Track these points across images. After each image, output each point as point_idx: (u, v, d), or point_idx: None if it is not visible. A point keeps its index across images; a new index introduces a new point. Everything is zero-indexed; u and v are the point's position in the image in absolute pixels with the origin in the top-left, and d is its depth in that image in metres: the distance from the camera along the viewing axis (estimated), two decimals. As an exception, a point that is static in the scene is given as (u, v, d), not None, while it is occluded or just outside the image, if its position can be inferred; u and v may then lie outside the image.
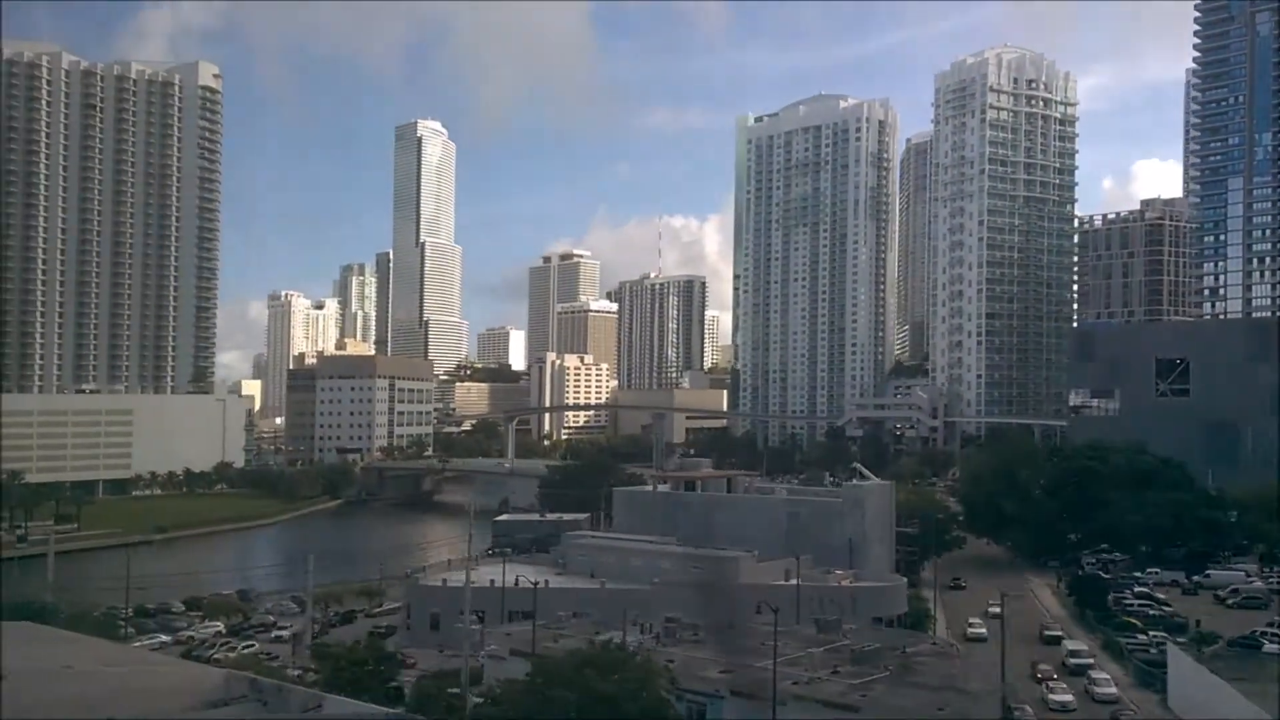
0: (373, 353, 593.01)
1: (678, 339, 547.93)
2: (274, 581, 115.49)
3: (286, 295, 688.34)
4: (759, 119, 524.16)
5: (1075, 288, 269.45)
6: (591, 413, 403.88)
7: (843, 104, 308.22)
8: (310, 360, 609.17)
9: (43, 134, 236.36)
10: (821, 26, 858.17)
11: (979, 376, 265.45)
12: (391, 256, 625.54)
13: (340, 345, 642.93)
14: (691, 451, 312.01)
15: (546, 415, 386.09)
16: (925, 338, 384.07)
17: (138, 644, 78.09)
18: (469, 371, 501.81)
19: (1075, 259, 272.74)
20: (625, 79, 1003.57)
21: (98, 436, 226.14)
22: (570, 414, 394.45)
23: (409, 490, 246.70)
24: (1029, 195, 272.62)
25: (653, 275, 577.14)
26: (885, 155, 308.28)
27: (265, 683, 32.62)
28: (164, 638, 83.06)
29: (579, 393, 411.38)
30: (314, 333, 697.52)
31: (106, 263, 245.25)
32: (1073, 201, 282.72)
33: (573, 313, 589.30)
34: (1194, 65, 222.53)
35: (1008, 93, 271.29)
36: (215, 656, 73.98)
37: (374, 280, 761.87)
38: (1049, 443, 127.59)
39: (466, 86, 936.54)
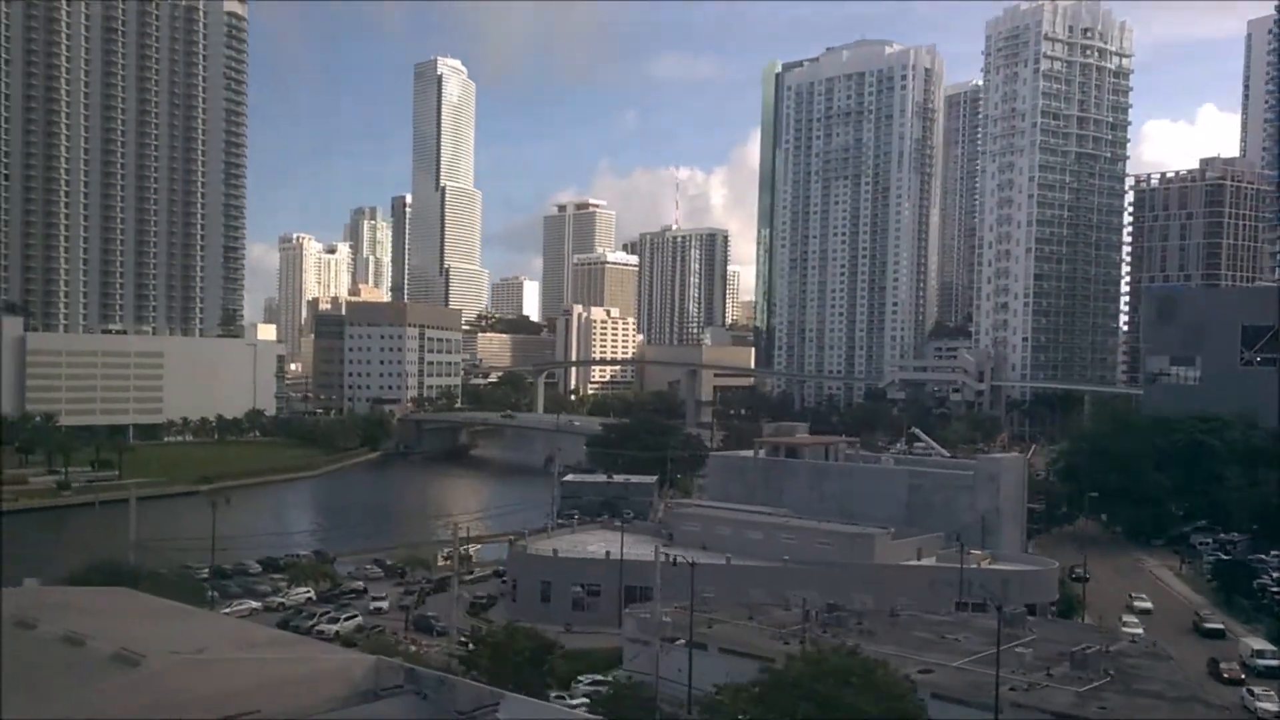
0: (388, 299, 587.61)
1: (699, 294, 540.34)
2: (343, 540, 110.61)
3: (298, 238, 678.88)
4: (790, 66, 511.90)
5: (1128, 249, 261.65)
6: (617, 368, 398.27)
7: (888, 50, 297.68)
8: (325, 306, 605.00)
9: (63, 62, 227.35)
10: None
11: (1024, 340, 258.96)
12: (409, 201, 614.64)
13: (354, 291, 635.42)
14: (715, 411, 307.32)
15: (572, 369, 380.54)
16: (954, 298, 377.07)
17: (226, 610, 73.13)
18: (489, 322, 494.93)
19: (1129, 219, 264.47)
20: (635, 24, 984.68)
21: (128, 380, 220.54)
22: (596, 369, 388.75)
23: (447, 443, 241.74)
24: (1081, 151, 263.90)
25: (674, 227, 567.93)
26: (931, 105, 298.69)
27: (424, 673, 27.47)
28: (253, 603, 78.01)
29: (605, 347, 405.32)
30: (326, 277, 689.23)
31: (131, 198, 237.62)
32: (1124, 159, 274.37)
33: (589, 264, 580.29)
34: (1276, 13, 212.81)
35: (1062, 41, 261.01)
36: (319, 629, 68.91)
37: (386, 225, 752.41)
38: (1148, 415, 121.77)
39: (472, 31, 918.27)
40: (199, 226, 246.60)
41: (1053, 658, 50.19)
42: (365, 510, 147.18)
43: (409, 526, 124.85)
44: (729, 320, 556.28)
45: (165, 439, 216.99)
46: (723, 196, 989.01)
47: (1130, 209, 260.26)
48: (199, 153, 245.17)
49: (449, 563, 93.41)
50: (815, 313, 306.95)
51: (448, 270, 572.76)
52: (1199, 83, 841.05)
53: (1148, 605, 77.09)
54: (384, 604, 77.45)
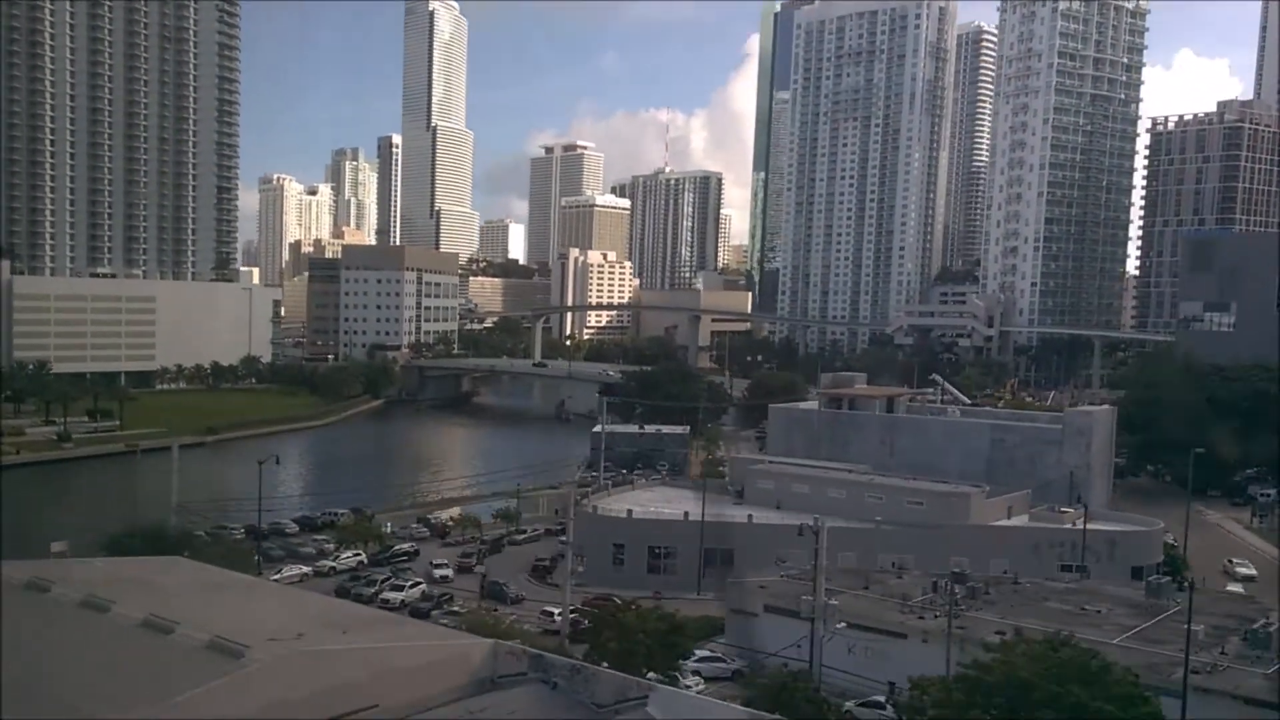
0: (372, 242, 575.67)
1: (692, 237, 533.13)
2: (372, 496, 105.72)
3: (279, 179, 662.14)
4: (788, 6, 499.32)
5: (1142, 193, 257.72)
6: (613, 313, 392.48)
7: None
8: (308, 248, 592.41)
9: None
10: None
11: (1033, 284, 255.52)
12: (399, 141, 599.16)
13: (337, 234, 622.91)
14: (717, 356, 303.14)
15: (568, 314, 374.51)
16: (950, 242, 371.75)
17: (275, 576, 68.41)
18: (479, 266, 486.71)
19: (1144, 162, 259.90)
20: None
21: (119, 325, 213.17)
22: (592, 314, 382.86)
23: (449, 391, 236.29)
24: (1095, 93, 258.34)
25: (667, 170, 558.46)
26: (944, 46, 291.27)
27: (553, 660, 23.22)
28: (304, 568, 73.17)
29: (601, 291, 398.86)
30: (307, 219, 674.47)
31: (120, 135, 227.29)
32: (1138, 101, 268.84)
33: (578, 207, 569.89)
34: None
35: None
36: (383, 597, 64.32)
37: (368, 167, 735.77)
38: (1202, 362, 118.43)
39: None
40: (190, 165, 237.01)
41: (1221, 638, 46.35)
42: (386, 461, 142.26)
43: (438, 479, 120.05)
44: (720, 264, 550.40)
45: (158, 386, 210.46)
46: (703, 139, 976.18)
47: (1146, 152, 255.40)
48: (190, 87, 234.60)
49: (499, 521, 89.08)
50: (820, 257, 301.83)
51: (439, 213, 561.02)
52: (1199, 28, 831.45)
53: (1251, 571, 73.66)
54: (448, 570, 72.57)
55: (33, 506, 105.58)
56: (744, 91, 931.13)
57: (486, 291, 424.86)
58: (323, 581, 71.16)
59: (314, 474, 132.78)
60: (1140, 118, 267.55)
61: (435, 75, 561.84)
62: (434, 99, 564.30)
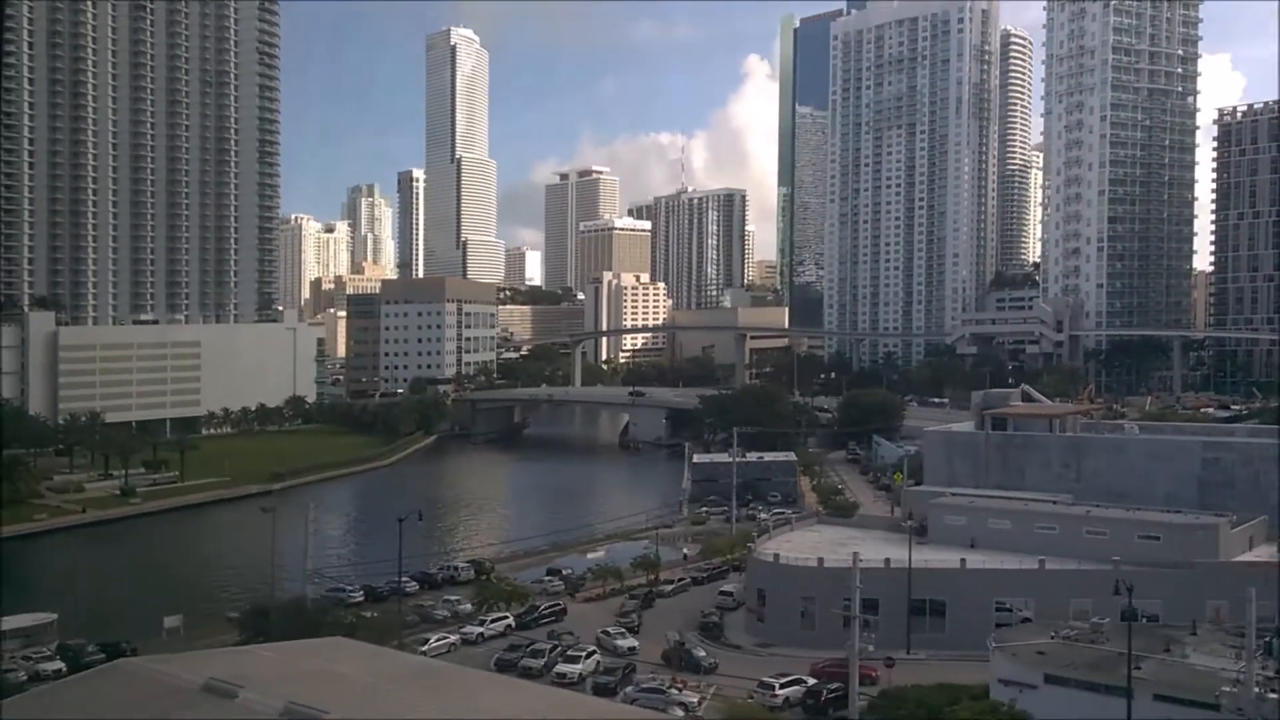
0: (393, 276, 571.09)
1: (718, 255, 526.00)
2: (475, 541, 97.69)
3: (296, 218, 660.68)
4: (808, 20, 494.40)
5: (1212, 186, 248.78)
6: (649, 335, 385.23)
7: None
8: (329, 285, 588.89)
9: (89, 39, 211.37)
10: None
11: (1099, 286, 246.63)
12: (421, 175, 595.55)
13: (358, 269, 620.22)
14: (768, 375, 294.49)
15: (604, 338, 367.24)
16: (990, 245, 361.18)
17: (423, 649, 60.22)
18: (507, 294, 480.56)
19: (1213, 154, 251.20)
20: None
21: (164, 372, 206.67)
22: (626, 337, 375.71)
23: (501, 423, 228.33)
24: (1153, 88, 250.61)
25: (689, 189, 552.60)
26: (988, 48, 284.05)
27: None
28: (450, 637, 64.87)
29: (636, 314, 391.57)
30: (325, 256, 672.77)
31: (162, 179, 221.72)
32: (1195, 94, 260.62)
33: (597, 231, 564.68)
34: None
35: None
36: (558, 671, 55.86)
37: (384, 202, 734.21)
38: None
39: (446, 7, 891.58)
40: (232, 206, 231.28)
41: None
42: (468, 504, 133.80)
43: (532, 522, 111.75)
44: (746, 281, 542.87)
45: (204, 432, 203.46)
46: (703, 160, 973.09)
47: (1214, 143, 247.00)
48: (232, 128, 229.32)
49: (638, 569, 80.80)
50: (868, 268, 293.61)
51: (465, 243, 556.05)
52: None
53: None
54: (631, 640, 62.94)
55: (121, 571, 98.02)
56: (744, 111, 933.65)
57: (516, 319, 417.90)
58: (474, 651, 63.00)
59: (396, 521, 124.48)
60: (1198, 110, 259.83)
61: (458, 106, 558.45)
62: (457, 130, 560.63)
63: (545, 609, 70.53)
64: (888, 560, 61.37)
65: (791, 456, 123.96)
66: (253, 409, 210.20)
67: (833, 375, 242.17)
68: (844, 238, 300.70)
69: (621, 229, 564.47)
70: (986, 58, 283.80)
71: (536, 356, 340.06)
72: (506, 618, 67.89)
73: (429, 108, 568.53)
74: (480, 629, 65.98)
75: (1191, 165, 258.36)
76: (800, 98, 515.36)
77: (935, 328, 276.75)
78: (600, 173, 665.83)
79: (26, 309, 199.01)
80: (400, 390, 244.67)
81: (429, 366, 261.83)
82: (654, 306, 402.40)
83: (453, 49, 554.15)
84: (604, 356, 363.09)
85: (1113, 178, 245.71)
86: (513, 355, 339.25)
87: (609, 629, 64.48)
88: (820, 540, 72.04)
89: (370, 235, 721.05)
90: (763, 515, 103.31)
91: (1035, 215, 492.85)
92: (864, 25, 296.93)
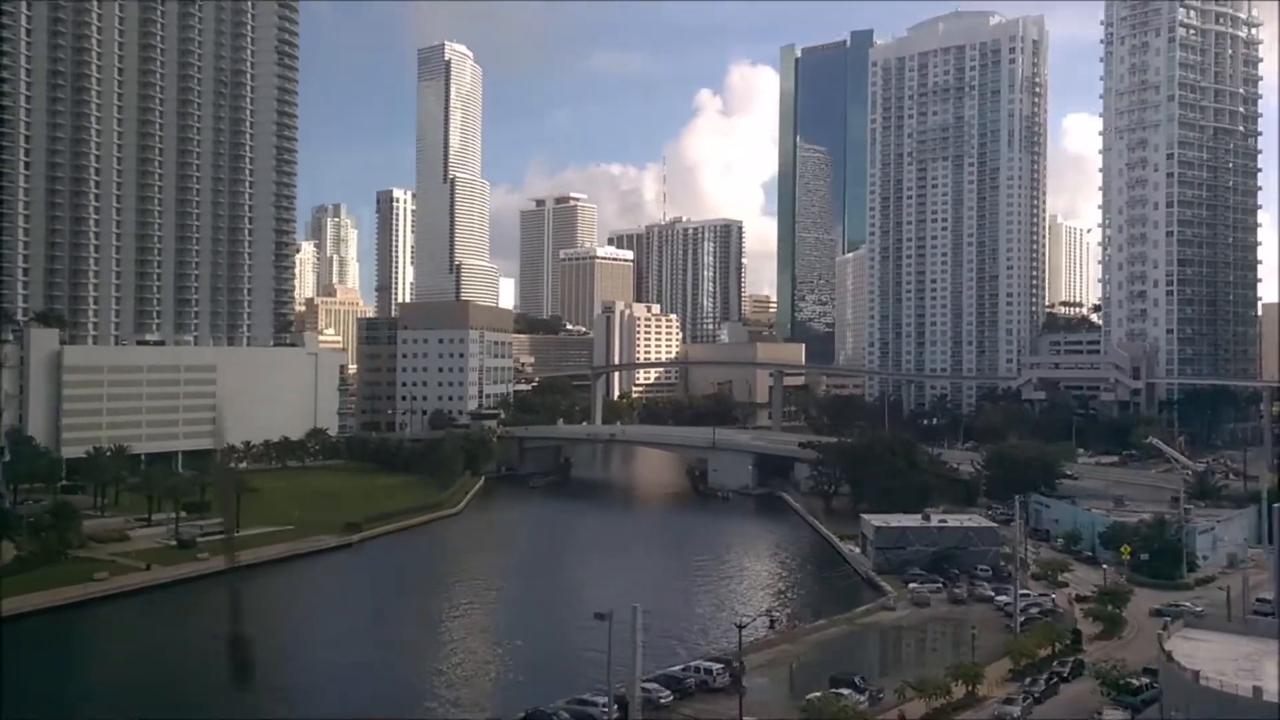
0: (367, 301, 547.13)
1: (714, 288, 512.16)
2: (681, 626, 79.22)
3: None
4: (809, 50, 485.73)
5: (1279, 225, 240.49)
6: (661, 369, 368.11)
7: (992, 21, 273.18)
8: (300, 307, 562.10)
9: (94, 27, 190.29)
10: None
11: (1169, 331, 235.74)
12: (399, 195, 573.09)
13: (329, 291, 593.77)
14: (809, 417, 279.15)
15: (616, 372, 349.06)
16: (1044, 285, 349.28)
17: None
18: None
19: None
20: (566, 21, 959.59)
21: (176, 399, 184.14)
22: (640, 371, 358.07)
23: (548, 463, 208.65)
24: (1218, 126, 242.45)
25: (685, 219, 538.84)
26: (1039, 79, 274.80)
27: None
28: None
29: (649, 346, 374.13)
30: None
31: (171, 188, 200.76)
32: (1257, 135, 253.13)
33: (577, 259, 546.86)
34: None
35: (1197, 8, 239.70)
36: None
37: (349, 222, 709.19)
38: None
39: (397, 27, 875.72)
40: (246, 218, 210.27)
41: None
42: (598, 568, 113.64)
43: (695, 596, 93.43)
44: (742, 315, 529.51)
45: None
46: (653, 193, 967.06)
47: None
48: (247, 133, 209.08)
49: (954, 677, 62.88)
50: (913, 306, 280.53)
51: (459, 266, 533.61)
52: None
53: None
54: None
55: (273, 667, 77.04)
56: (697, 144, 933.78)
57: (515, 349, 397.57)
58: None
59: (527, 589, 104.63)
60: (1260, 151, 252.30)
61: (452, 125, 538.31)
62: (450, 149, 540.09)
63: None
64: None
65: (987, 522, 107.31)
66: (274, 441, 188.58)
67: (936, 420, 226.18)
68: (885, 273, 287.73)
69: (603, 258, 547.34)
70: (1038, 89, 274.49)
71: (548, 389, 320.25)
72: None
73: (420, 126, 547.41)
74: None
75: (1254, 209, 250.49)
76: (801, 128, 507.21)
77: (989, 369, 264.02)
78: (578, 199, 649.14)
79: (25, 325, 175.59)
80: (404, 423, 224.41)
81: (450, 398, 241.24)
82: (667, 338, 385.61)
83: (447, 64, 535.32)
84: (615, 391, 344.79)
85: (1181, 218, 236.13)
86: (524, 388, 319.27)
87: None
88: (1212, 650, 55.14)
89: (336, 256, 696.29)
90: (1002, 597, 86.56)
91: (1066, 253, 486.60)
92: (905, 53, 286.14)
